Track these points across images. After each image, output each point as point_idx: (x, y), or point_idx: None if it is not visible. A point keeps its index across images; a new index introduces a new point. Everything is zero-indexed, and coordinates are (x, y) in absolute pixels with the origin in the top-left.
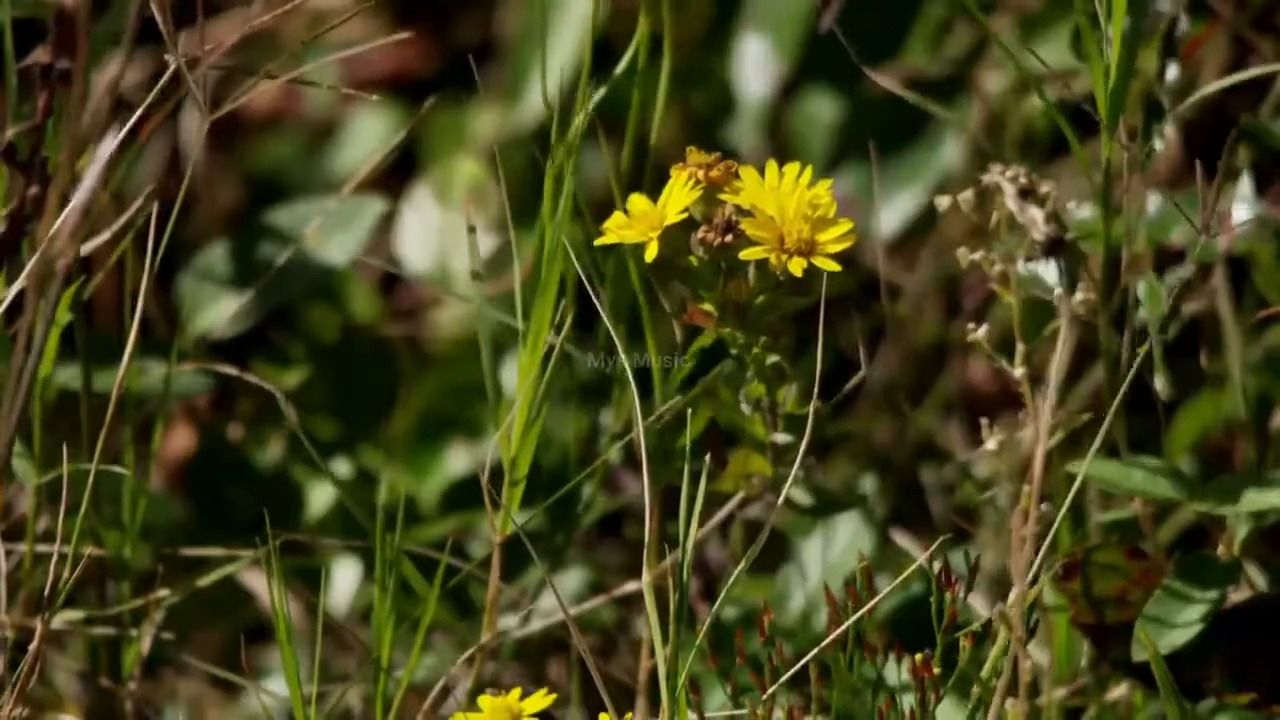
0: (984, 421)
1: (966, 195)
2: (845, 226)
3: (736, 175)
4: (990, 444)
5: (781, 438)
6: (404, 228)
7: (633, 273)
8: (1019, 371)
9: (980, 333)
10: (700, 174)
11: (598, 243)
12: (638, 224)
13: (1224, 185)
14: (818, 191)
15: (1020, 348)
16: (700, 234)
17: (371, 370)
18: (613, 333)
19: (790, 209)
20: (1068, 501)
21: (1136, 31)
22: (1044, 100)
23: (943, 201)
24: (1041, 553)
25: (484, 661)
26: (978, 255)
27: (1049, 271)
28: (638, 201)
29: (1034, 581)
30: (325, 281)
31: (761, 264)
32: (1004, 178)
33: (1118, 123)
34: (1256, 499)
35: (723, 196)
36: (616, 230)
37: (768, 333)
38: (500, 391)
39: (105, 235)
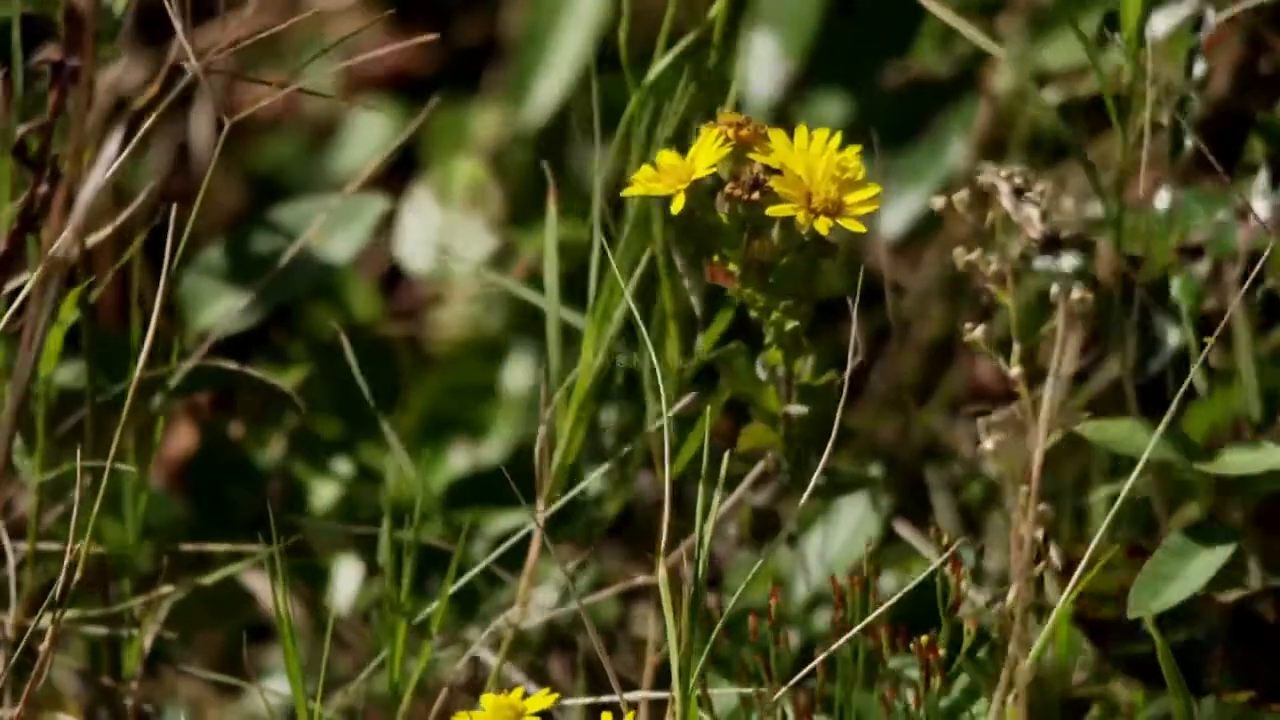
0: (981, 422)
1: (962, 195)
2: (874, 190)
3: (765, 136)
4: (988, 444)
5: (795, 409)
6: (404, 228)
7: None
8: (1015, 371)
9: (977, 332)
10: (730, 132)
11: (625, 193)
12: (666, 177)
13: (1240, 181)
14: (847, 155)
15: (1017, 347)
16: (727, 189)
17: (373, 370)
18: (651, 327)
19: (819, 170)
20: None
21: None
22: (1039, 104)
23: (938, 202)
24: (1068, 566)
25: (510, 642)
26: (974, 256)
27: (1053, 269)
28: (666, 156)
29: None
30: (326, 281)
31: (787, 223)
32: (999, 177)
33: (1129, 121)
34: (1257, 460)
35: (751, 156)
36: (644, 182)
37: (790, 297)
38: (549, 376)
39: (107, 230)
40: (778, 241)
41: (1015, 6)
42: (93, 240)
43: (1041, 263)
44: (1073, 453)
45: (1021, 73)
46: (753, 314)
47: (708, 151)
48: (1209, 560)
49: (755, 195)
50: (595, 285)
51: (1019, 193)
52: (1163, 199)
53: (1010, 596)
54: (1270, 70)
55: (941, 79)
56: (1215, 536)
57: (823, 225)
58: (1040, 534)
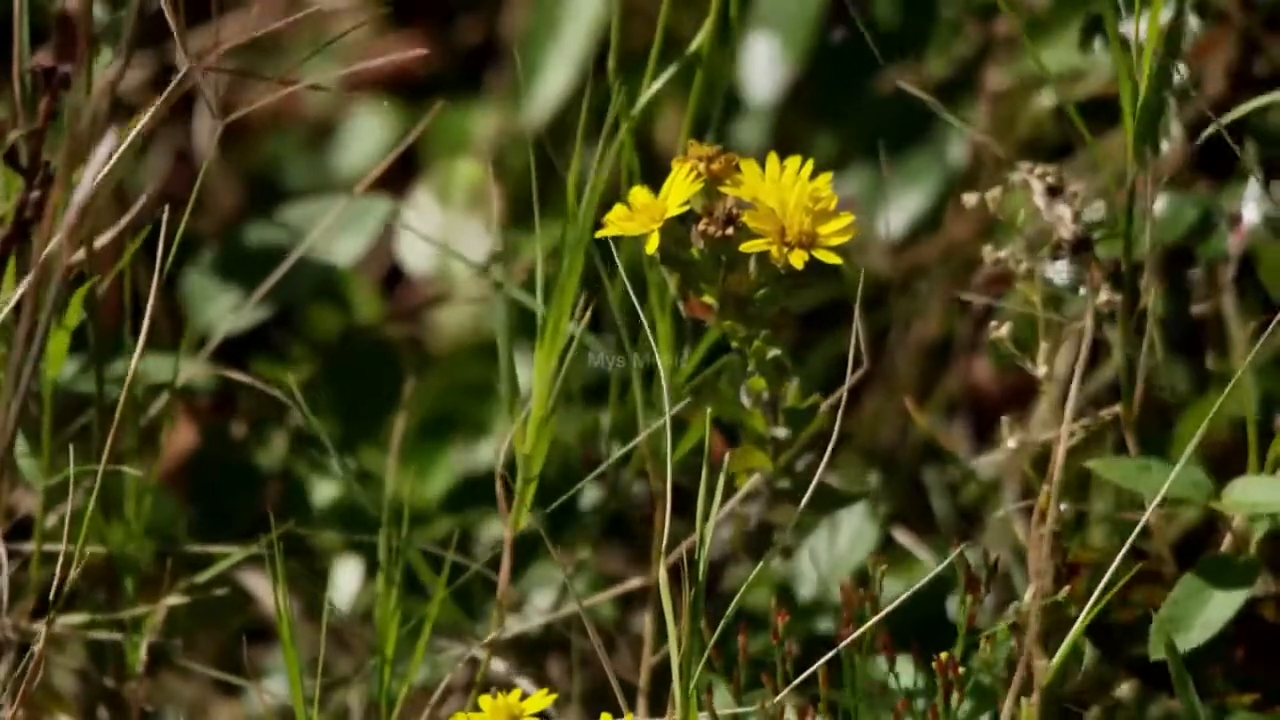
0: (1004, 420)
1: (994, 193)
2: (846, 220)
3: (738, 168)
4: (1011, 442)
5: (781, 432)
6: (406, 229)
7: (649, 270)
8: (1041, 370)
9: (1003, 330)
10: (701, 167)
11: (599, 234)
12: (639, 216)
13: (1232, 185)
14: (819, 185)
15: (1043, 346)
16: (701, 226)
17: (374, 370)
18: (650, 326)
19: (791, 202)
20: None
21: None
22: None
23: (970, 199)
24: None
25: (490, 660)
26: (1004, 253)
27: (1065, 271)
28: (639, 194)
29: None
30: (328, 282)
31: (762, 257)
32: (1032, 175)
33: (1151, 126)
34: (1269, 498)
35: (724, 189)
36: (618, 223)
37: (769, 326)
38: (516, 387)
39: (110, 233)
40: (754, 275)
41: (1014, 6)
42: (98, 243)
43: (1066, 263)
44: (1072, 453)
45: (1019, 75)
46: (733, 345)
47: (680, 187)
48: (1227, 601)
49: (729, 231)
50: (543, 298)
51: (1053, 192)
52: (1157, 202)
53: (1027, 595)
54: (1264, 73)
55: (942, 80)
56: (1232, 577)
57: (797, 259)
58: (1057, 533)
